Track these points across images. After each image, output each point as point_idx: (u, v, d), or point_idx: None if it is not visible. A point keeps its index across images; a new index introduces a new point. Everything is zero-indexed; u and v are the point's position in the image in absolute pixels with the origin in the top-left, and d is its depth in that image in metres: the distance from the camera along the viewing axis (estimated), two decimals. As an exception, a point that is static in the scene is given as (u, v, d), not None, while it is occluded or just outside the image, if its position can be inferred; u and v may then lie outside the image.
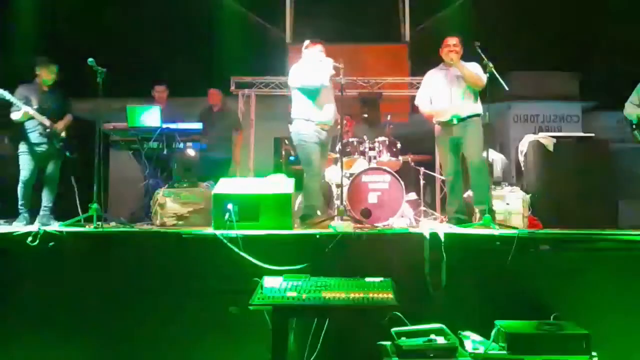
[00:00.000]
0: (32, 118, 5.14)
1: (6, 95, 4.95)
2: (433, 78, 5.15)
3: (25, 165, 5.20)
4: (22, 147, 5.22)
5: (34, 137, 5.20)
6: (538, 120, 10.76)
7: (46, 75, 5.29)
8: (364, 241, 3.85)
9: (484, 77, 4.79)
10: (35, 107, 5.15)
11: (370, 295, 3.11)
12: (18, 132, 5.24)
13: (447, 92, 4.97)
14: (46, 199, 5.35)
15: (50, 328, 3.81)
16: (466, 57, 5.02)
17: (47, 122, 5.17)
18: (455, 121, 4.91)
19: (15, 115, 5.08)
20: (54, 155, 5.33)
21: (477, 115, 4.94)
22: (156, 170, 5.81)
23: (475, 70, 4.90)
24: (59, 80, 5.42)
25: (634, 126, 5.22)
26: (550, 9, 9.50)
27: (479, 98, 5.00)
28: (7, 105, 5.09)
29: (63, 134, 5.31)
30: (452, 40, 4.97)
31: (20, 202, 5.19)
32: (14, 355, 3.82)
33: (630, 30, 8.54)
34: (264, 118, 9.14)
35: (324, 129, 4.97)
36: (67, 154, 5.35)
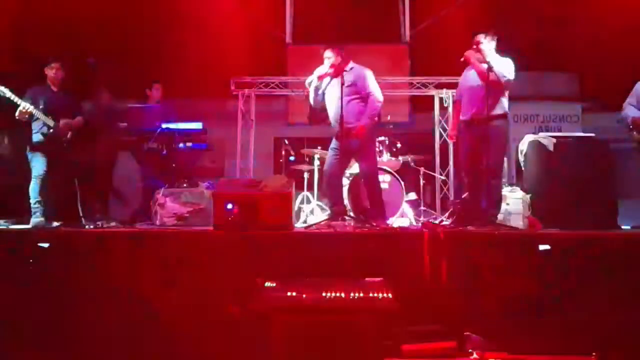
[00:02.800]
0: (36, 119, 5.12)
1: (6, 92, 4.92)
2: (465, 76, 5.06)
3: (36, 162, 5.17)
4: (29, 148, 5.21)
5: (38, 137, 5.19)
6: (538, 120, 10.74)
7: (50, 73, 5.29)
8: (364, 241, 3.85)
9: (502, 76, 4.65)
10: (41, 106, 5.12)
11: (370, 295, 3.11)
12: (26, 132, 5.23)
13: (469, 91, 4.88)
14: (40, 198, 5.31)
15: (50, 328, 3.81)
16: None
17: (50, 123, 5.16)
18: (475, 122, 4.70)
19: (16, 113, 5.07)
20: (58, 156, 5.30)
21: (498, 116, 4.75)
22: (156, 171, 5.80)
23: (498, 68, 4.67)
24: (68, 80, 5.40)
25: (631, 127, 5.23)
26: (550, 8, 9.50)
27: (504, 98, 4.81)
28: (13, 106, 5.06)
29: (69, 136, 5.29)
30: (476, 37, 4.81)
31: (35, 200, 5.09)
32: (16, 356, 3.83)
33: (630, 30, 8.53)
34: (264, 118, 9.14)
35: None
36: (72, 156, 5.29)
